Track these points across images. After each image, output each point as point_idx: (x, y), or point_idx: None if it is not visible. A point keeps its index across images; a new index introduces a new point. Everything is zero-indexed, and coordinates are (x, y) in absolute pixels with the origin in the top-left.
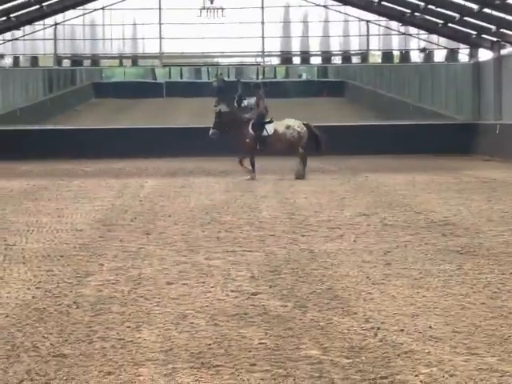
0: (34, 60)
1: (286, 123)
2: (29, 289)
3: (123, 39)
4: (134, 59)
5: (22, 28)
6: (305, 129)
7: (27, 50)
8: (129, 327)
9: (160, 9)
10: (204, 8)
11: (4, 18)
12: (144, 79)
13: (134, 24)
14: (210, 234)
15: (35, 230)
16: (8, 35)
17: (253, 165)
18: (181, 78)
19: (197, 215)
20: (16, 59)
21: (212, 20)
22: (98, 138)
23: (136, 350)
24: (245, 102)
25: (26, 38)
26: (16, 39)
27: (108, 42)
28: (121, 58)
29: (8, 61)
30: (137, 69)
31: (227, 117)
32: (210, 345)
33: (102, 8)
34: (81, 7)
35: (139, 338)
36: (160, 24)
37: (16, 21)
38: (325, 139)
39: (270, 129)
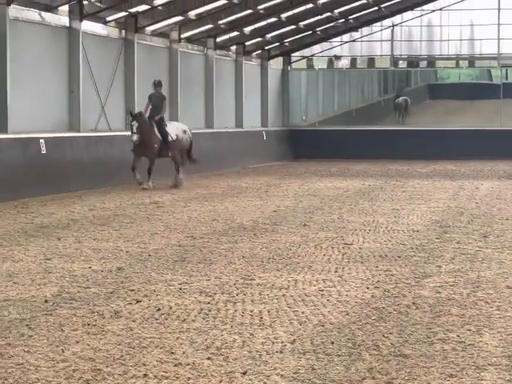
0: (371, 61)
1: (182, 128)
2: (368, 288)
3: (460, 40)
4: (471, 60)
5: (359, 30)
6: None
7: (364, 51)
8: (469, 330)
9: (499, 9)
10: None
11: (342, 20)
12: (479, 80)
13: (472, 25)
14: None
15: (372, 229)
16: (346, 37)
17: (150, 172)
18: None
19: None
20: (353, 60)
21: None
22: (431, 139)
23: (477, 353)
24: (399, 100)
25: (363, 39)
26: (353, 41)
27: (445, 42)
28: (457, 59)
29: (345, 62)
30: (472, 70)
31: (140, 119)
32: None
33: (440, 9)
34: (418, 8)
35: (480, 341)
36: (498, 24)
37: (354, 23)
38: None
39: (172, 133)
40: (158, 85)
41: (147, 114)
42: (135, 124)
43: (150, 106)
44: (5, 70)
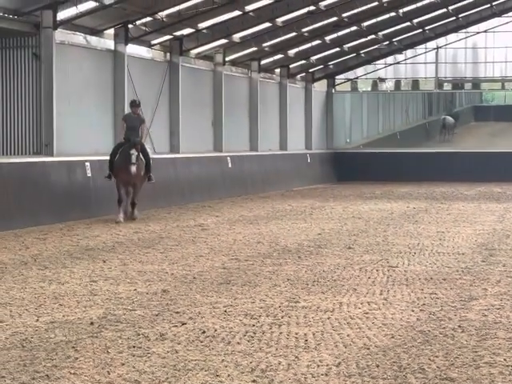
0: (415, 83)
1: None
2: (413, 311)
3: (505, 62)
4: None
5: (404, 52)
6: None
7: (408, 74)
8: None
9: None
10: None
11: (387, 43)
12: None
13: None
14: None
15: (417, 252)
16: (390, 59)
17: (121, 202)
18: None
19: None
20: (397, 83)
21: None
22: (475, 161)
23: None
24: (450, 119)
25: (407, 61)
26: (398, 63)
27: (490, 64)
28: (503, 81)
29: (389, 84)
30: None
31: (138, 148)
32: None
33: (485, 31)
34: (463, 30)
35: None
36: None
37: (398, 45)
38: None
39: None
40: (137, 105)
41: (122, 136)
42: (135, 153)
43: (125, 128)
44: (51, 93)
